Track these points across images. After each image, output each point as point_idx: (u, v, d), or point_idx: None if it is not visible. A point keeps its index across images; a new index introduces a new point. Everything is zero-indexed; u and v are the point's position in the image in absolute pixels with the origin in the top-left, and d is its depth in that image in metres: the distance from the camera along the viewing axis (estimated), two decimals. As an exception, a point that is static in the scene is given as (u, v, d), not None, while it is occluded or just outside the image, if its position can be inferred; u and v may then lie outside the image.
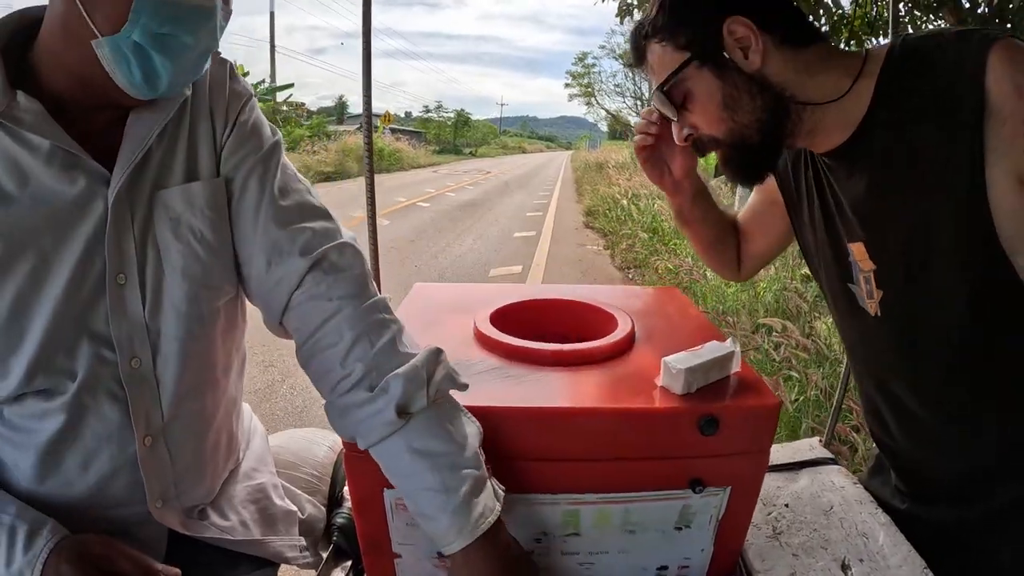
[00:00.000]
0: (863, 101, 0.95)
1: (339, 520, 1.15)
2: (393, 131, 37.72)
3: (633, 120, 38.29)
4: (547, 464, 0.86)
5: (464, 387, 0.85)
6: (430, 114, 71.45)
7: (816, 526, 1.18)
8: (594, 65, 42.53)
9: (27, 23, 0.79)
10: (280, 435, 1.29)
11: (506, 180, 24.49)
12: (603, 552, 0.94)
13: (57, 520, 0.81)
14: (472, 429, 0.83)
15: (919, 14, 4.19)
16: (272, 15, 23.45)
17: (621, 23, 6.00)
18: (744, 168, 1.05)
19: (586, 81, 41.35)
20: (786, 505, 1.23)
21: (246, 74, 19.83)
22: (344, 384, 0.84)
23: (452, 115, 71.23)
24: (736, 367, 0.92)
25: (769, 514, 1.21)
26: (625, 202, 11.23)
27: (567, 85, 42.34)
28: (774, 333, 3.93)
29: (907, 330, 1.03)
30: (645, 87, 35.11)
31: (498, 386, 0.88)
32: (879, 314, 1.04)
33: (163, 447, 0.87)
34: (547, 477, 0.87)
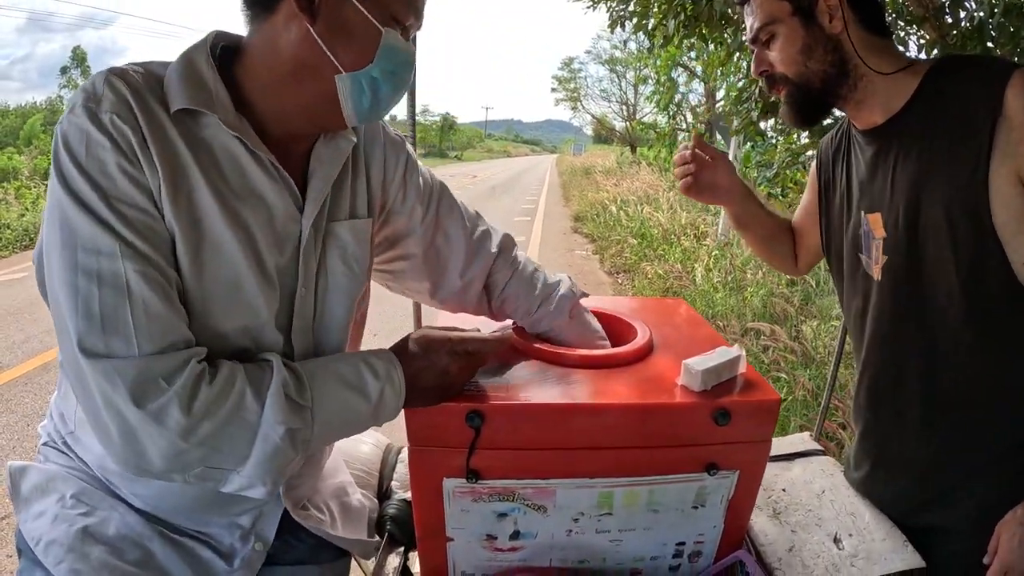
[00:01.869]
0: (905, 93, 1.16)
1: (390, 511, 1.28)
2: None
3: (619, 124, 38.54)
4: (587, 452, 0.99)
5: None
6: (415, 117, 70.94)
7: (810, 507, 1.32)
8: (580, 70, 42.63)
9: (221, 42, 0.93)
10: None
11: (493, 185, 24.51)
12: (631, 530, 1.07)
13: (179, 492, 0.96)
14: None
15: (899, 30, 4.34)
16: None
17: (612, 33, 6.15)
18: (801, 108, 1.24)
19: (572, 86, 41.40)
20: (783, 490, 1.38)
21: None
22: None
23: (438, 118, 70.96)
24: (742, 368, 1.06)
25: (769, 497, 1.35)
26: (614, 208, 11.31)
27: (553, 90, 42.33)
28: (762, 337, 4.08)
29: (904, 293, 1.20)
30: (630, 92, 35.28)
31: (545, 387, 1.02)
32: (881, 279, 1.22)
33: None
34: (587, 463, 1.00)
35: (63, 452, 1.01)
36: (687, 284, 6.07)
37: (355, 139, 1.03)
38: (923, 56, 4.01)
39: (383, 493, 1.36)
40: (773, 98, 1.26)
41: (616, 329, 1.26)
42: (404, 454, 1.41)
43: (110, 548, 0.94)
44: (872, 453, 1.36)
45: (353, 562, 1.35)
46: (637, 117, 33.37)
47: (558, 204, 16.81)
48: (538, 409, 0.97)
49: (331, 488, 1.20)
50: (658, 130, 20.32)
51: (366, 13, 0.86)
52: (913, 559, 1.20)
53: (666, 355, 1.14)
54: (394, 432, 1.17)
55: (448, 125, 70.57)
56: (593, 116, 41.49)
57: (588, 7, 5.79)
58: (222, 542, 1.02)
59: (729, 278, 5.89)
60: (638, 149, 29.62)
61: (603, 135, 46.99)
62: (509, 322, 1.25)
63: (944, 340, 1.16)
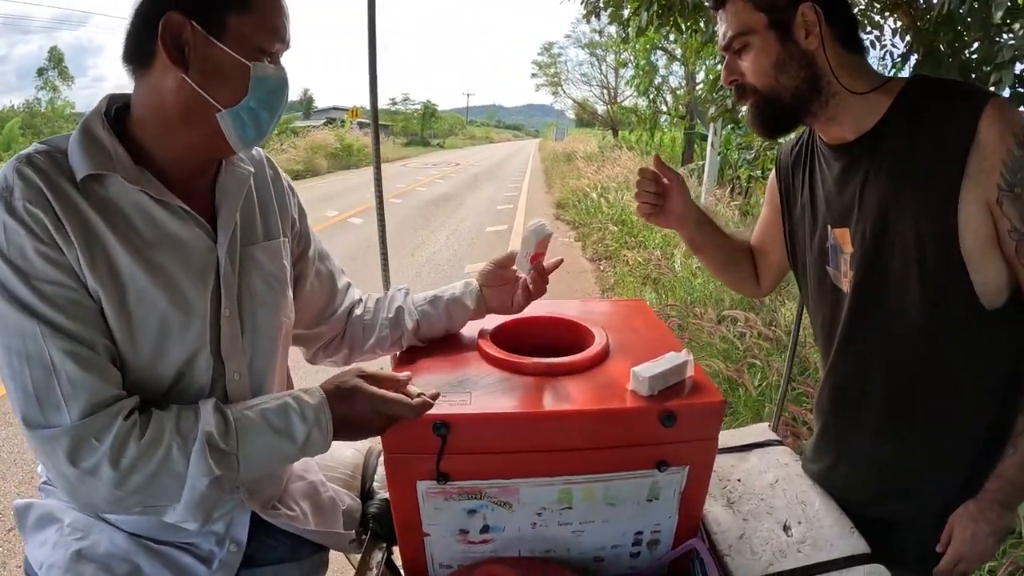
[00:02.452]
0: (877, 112, 1.18)
1: (372, 509, 1.37)
2: (361, 125, 37.44)
3: (600, 108, 38.43)
4: (545, 454, 1.08)
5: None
6: (397, 106, 70.09)
7: (763, 496, 1.41)
8: (560, 55, 42.41)
9: (115, 103, 1.02)
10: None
11: (475, 172, 24.46)
12: (590, 522, 1.16)
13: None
14: None
15: (874, 15, 4.43)
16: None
17: (588, 23, 6.21)
18: (768, 120, 1.26)
19: (552, 71, 41.22)
20: (739, 480, 1.47)
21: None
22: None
23: (419, 106, 70.35)
24: (690, 372, 1.15)
25: (724, 487, 1.44)
26: (595, 195, 11.33)
27: (533, 75, 42.10)
28: (738, 323, 4.19)
29: (871, 307, 1.26)
30: (611, 76, 35.19)
31: (505, 396, 1.11)
32: (849, 291, 1.27)
33: None
34: (546, 464, 1.09)
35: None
36: (666, 271, 6.17)
37: (252, 168, 1.14)
38: (897, 40, 4.12)
39: (366, 493, 1.45)
40: (742, 105, 1.30)
41: (576, 334, 1.35)
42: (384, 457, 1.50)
43: (101, 565, 1.04)
44: (832, 450, 1.45)
45: (342, 558, 1.45)
46: (618, 101, 33.32)
47: (540, 191, 16.87)
48: (498, 418, 1.06)
49: (301, 488, 1.29)
50: (639, 113, 20.40)
51: (233, 53, 0.95)
52: (859, 545, 1.29)
53: (621, 359, 1.23)
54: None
55: (429, 113, 69.98)
56: (574, 100, 41.33)
57: (563, -2, 5.86)
58: (201, 548, 1.11)
59: (708, 264, 5.97)
60: (620, 132, 29.64)
61: (585, 119, 46.79)
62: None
63: (909, 353, 1.23)
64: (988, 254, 1.11)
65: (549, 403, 1.09)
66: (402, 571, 1.25)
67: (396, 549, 1.30)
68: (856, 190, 1.23)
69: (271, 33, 0.98)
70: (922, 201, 1.13)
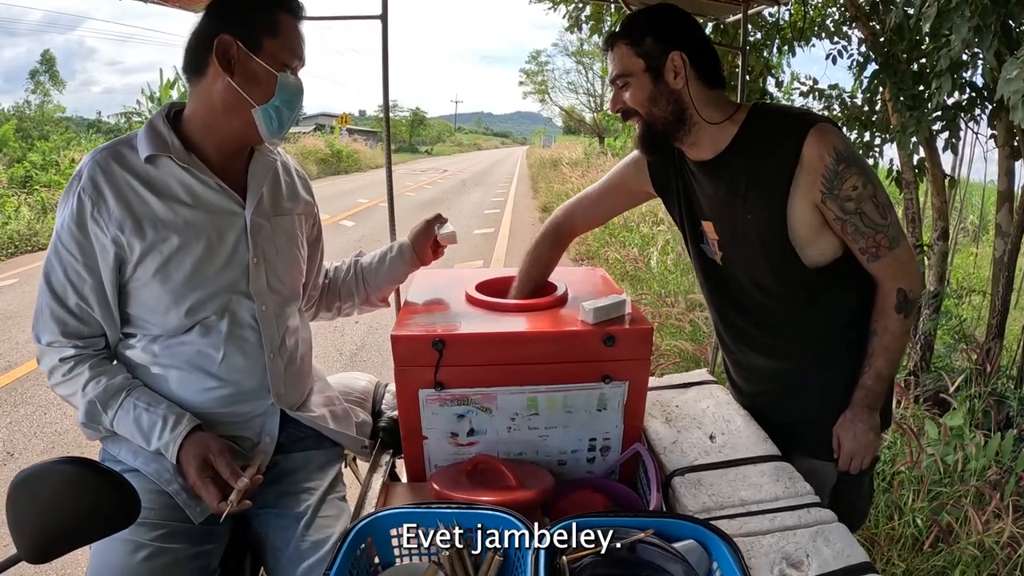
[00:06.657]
0: (727, 137, 1.51)
1: (381, 424, 1.73)
2: (350, 131, 37.59)
3: (588, 116, 38.73)
4: (518, 367, 1.41)
5: None
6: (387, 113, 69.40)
7: (695, 416, 1.75)
8: (547, 63, 42.87)
9: (175, 108, 1.41)
10: (335, 376, 1.87)
11: (463, 179, 24.79)
12: (553, 427, 1.48)
13: (202, 413, 1.39)
14: None
15: (843, 26, 4.77)
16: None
17: (571, 33, 6.53)
18: (647, 141, 1.57)
19: (540, 79, 41.62)
20: (677, 406, 1.80)
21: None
22: None
23: (407, 114, 70.38)
24: (628, 309, 1.48)
25: (665, 410, 1.78)
26: (578, 198, 11.62)
27: (521, 83, 42.47)
28: (706, 309, 4.54)
29: (737, 275, 1.63)
30: (597, 84, 35.56)
31: (486, 324, 1.45)
32: (722, 263, 1.64)
33: (280, 360, 1.46)
34: (518, 376, 1.41)
35: None
36: (642, 267, 6.51)
37: (276, 157, 1.52)
38: (863, 49, 4.46)
39: (376, 413, 1.82)
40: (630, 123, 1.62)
41: (544, 287, 1.71)
42: (391, 386, 1.88)
43: None
44: (738, 375, 1.86)
45: (352, 477, 1.78)
46: (604, 108, 33.67)
47: (527, 196, 17.21)
48: (480, 337, 1.40)
49: (320, 399, 1.64)
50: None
51: (264, 64, 1.31)
52: (770, 448, 1.61)
53: (576, 303, 1.56)
54: (383, 374, 1.59)
55: (418, 120, 70.08)
56: (561, 108, 41.69)
57: (548, 8, 6.19)
58: (246, 439, 1.46)
59: (681, 260, 6.34)
60: (606, 140, 30.01)
61: (572, 126, 47.11)
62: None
63: (769, 299, 1.62)
64: (819, 234, 1.48)
65: (519, 328, 1.44)
66: (404, 475, 1.56)
67: (399, 462, 1.63)
68: (715, 195, 1.58)
69: (292, 53, 1.35)
70: (761, 204, 1.48)
